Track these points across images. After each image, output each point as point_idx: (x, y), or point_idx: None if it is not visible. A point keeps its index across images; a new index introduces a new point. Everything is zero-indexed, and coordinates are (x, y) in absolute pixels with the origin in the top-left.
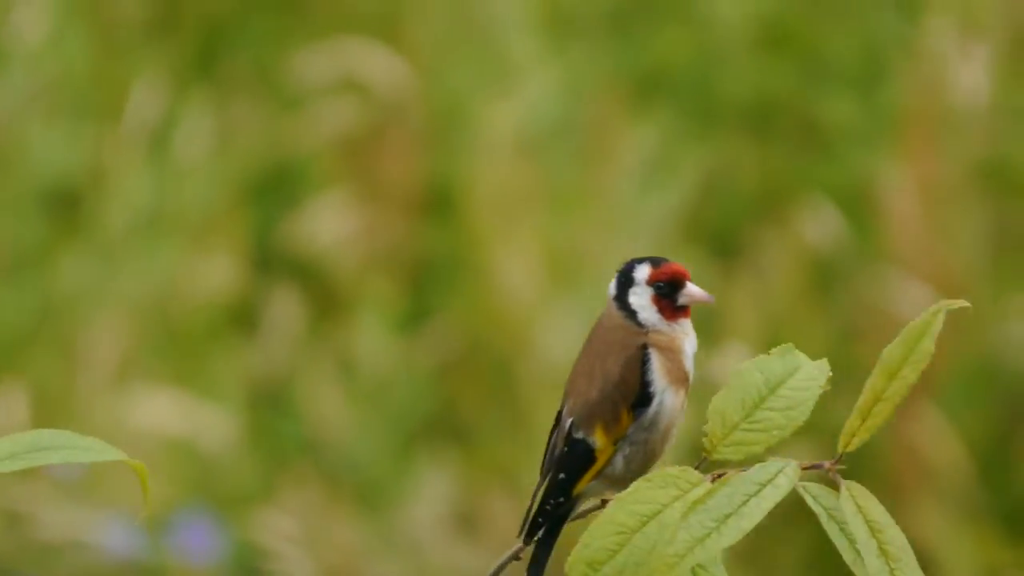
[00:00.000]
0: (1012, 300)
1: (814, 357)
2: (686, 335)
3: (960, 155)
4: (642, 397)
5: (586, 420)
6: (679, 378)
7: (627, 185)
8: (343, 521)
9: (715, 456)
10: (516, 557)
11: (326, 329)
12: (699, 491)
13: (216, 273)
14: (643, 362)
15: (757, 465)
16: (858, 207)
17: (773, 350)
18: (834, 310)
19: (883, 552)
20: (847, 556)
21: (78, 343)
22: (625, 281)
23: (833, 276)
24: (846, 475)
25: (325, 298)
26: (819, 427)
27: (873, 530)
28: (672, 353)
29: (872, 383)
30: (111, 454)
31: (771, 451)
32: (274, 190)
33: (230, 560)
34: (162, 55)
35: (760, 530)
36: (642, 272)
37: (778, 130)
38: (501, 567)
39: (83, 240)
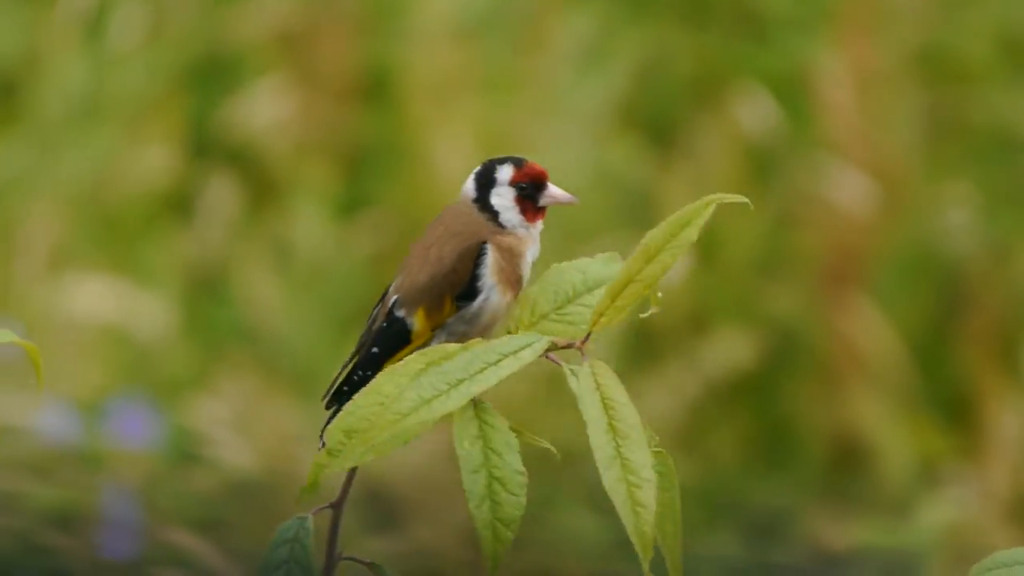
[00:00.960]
0: (946, 188)
1: (749, 243)
2: (533, 241)
3: (895, 42)
4: (469, 290)
5: (410, 301)
6: (511, 279)
7: (562, 71)
8: (279, 407)
9: None
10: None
11: (262, 216)
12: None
13: (152, 160)
14: (478, 255)
15: (505, 336)
16: (794, 94)
17: (598, 255)
18: (770, 197)
19: (612, 429)
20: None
21: (13, 231)
22: (486, 181)
23: (769, 164)
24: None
25: (261, 185)
26: (754, 314)
27: (607, 406)
28: (511, 255)
29: (628, 264)
30: (2, 336)
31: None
32: (211, 77)
33: (166, 445)
34: None
35: (698, 412)
36: (505, 172)
37: (714, 16)
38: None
39: (18, 127)
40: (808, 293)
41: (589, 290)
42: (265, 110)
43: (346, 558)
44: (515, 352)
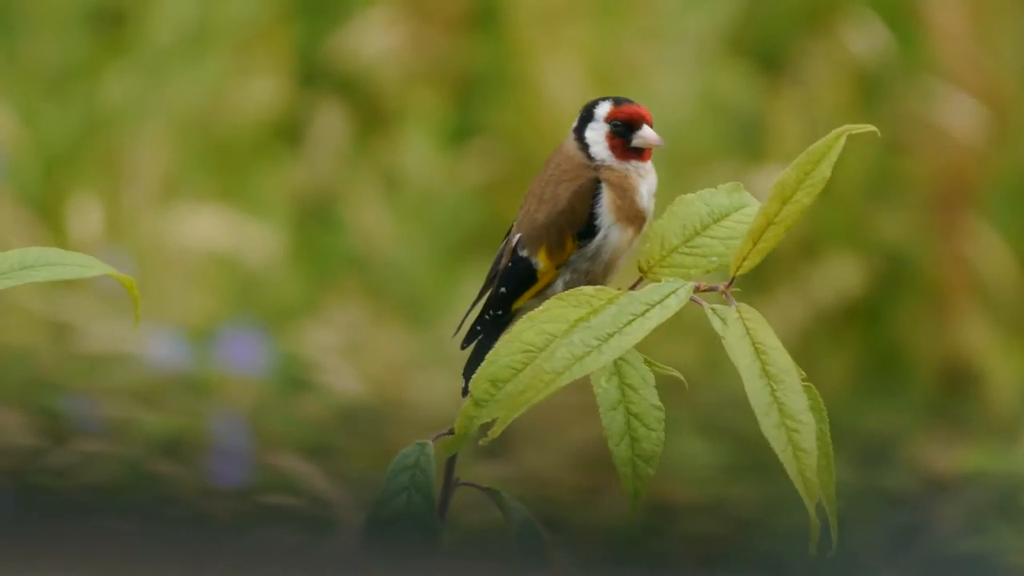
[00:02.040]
0: None
1: (859, 169)
2: (641, 176)
3: None
4: (588, 228)
5: (532, 240)
6: (630, 216)
7: None
8: (388, 334)
9: (650, 276)
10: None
11: (371, 145)
12: (612, 309)
13: (261, 89)
14: (594, 195)
15: (649, 286)
16: (903, 19)
17: (721, 185)
18: (880, 123)
19: (765, 373)
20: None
21: (123, 159)
22: (587, 116)
23: (879, 89)
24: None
25: (370, 114)
26: (865, 240)
27: (758, 351)
28: (625, 191)
29: (765, 207)
30: (98, 268)
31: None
32: (319, 5)
33: (275, 372)
34: None
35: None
36: (602, 109)
37: None
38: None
39: (127, 56)
40: (919, 219)
41: (716, 221)
42: (374, 39)
43: (464, 483)
44: (660, 301)
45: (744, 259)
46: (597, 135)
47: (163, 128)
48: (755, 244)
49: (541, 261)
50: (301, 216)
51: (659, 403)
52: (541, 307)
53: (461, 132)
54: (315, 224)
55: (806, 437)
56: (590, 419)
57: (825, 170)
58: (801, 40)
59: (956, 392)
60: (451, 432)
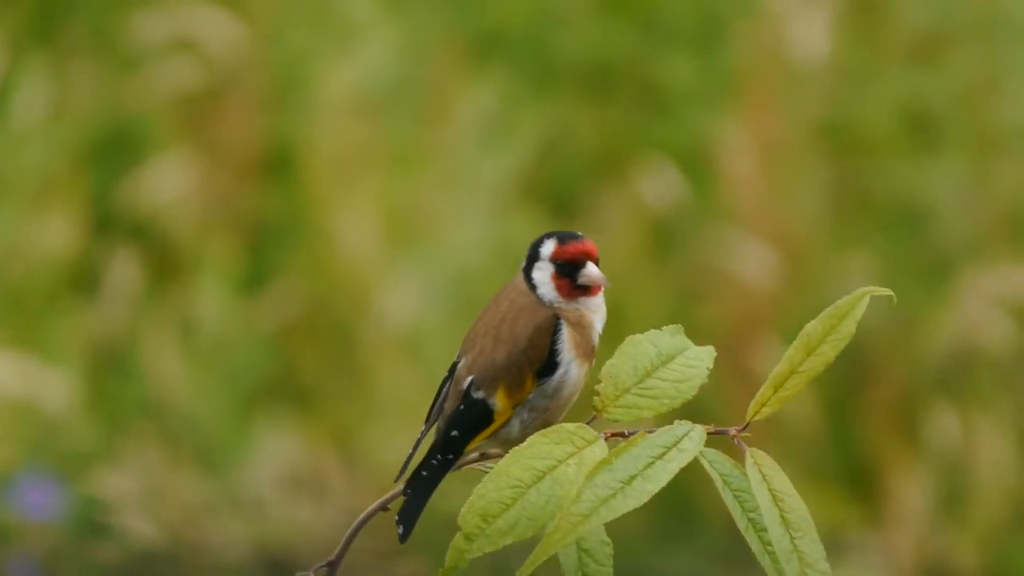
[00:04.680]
0: (849, 259)
1: (654, 317)
2: (593, 312)
3: (799, 115)
4: (548, 365)
5: (489, 381)
6: (586, 351)
7: (466, 145)
8: (184, 480)
9: (605, 415)
10: (384, 508)
11: (166, 291)
12: (596, 449)
13: (55, 235)
14: (554, 331)
15: (663, 428)
16: (697, 167)
17: (663, 328)
18: (674, 269)
19: (784, 521)
20: (740, 523)
21: None
22: (533, 255)
23: (673, 236)
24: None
25: (165, 260)
26: None
27: (776, 499)
28: (582, 327)
29: (789, 355)
30: None
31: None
32: (113, 152)
33: (72, 517)
34: None
35: None
36: (547, 248)
37: (617, 90)
38: (370, 515)
39: None
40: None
41: (664, 363)
42: (167, 185)
43: None
44: (676, 444)
45: (763, 405)
46: (543, 275)
47: None
48: (776, 391)
49: (499, 401)
50: (96, 362)
51: (607, 539)
52: (525, 443)
53: (255, 279)
54: (110, 370)
55: None
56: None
57: (850, 326)
58: (595, 187)
59: None
60: (327, 564)
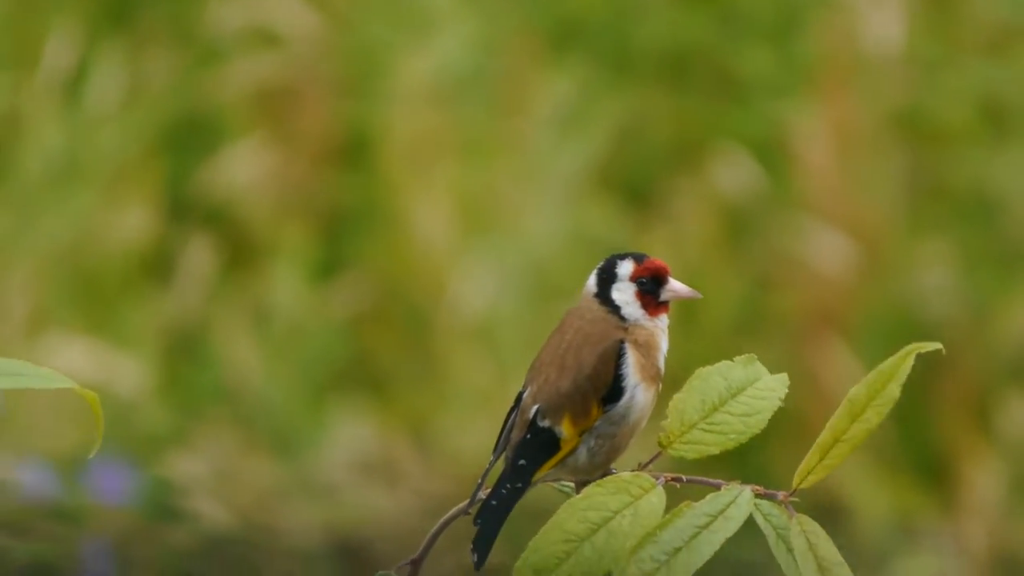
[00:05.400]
0: (925, 248)
1: (728, 305)
2: (663, 332)
3: (874, 104)
4: (614, 391)
5: (554, 409)
6: (652, 375)
7: (542, 135)
8: (257, 465)
9: (670, 452)
10: (465, 512)
11: (240, 277)
12: (652, 498)
13: (130, 222)
14: (619, 356)
15: (710, 495)
16: (773, 156)
17: (736, 358)
18: (748, 258)
19: None
20: None
21: None
22: (607, 277)
23: (748, 225)
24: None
25: (239, 247)
26: None
27: (822, 569)
28: (649, 349)
29: (834, 423)
30: (62, 382)
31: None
32: (188, 139)
33: (145, 501)
34: (77, 4)
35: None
36: (625, 268)
37: (693, 80)
38: (451, 519)
39: None
40: (787, 354)
41: (733, 396)
42: (243, 171)
43: None
44: (722, 512)
45: (809, 473)
46: (626, 295)
47: (33, 261)
48: (821, 460)
49: (565, 430)
50: (170, 348)
51: None
52: (581, 495)
53: (329, 266)
54: (184, 356)
55: None
56: None
57: (895, 390)
58: (670, 176)
59: (824, 524)
60: (411, 562)
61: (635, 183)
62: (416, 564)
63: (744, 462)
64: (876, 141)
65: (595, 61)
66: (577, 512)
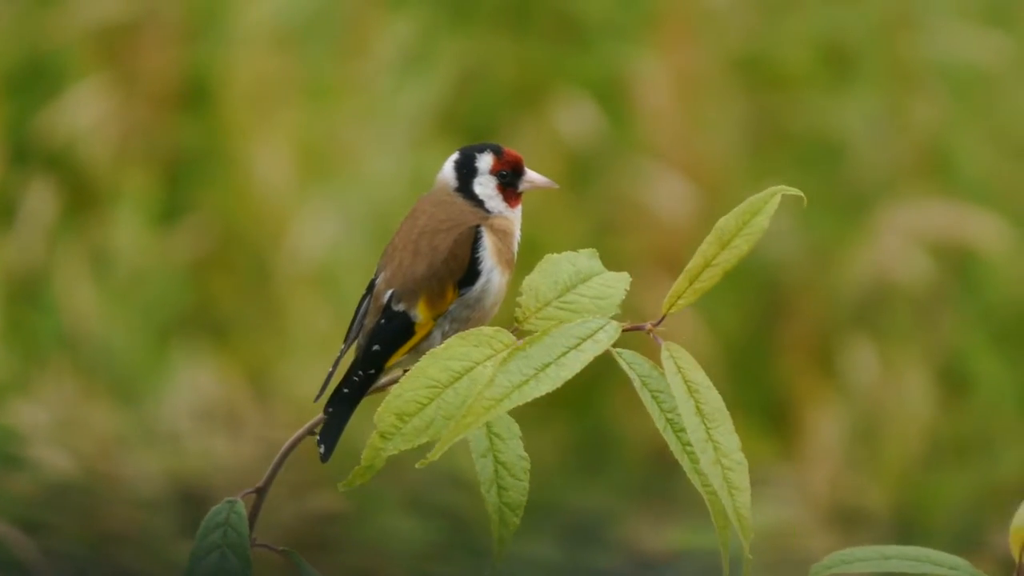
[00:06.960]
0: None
1: (564, 247)
2: (517, 221)
3: (716, 48)
4: (470, 275)
5: (409, 293)
6: (507, 260)
7: (383, 78)
8: (99, 412)
9: (526, 327)
10: (311, 432)
11: (82, 222)
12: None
13: None
14: (475, 240)
15: (578, 320)
16: (614, 100)
17: (580, 251)
18: (590, 203)
19: (699, 412)
20: (658, 423)
21: None
22: (467, 171)
23: (589, 169)
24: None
25: (80, 191)
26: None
27: (691, 390)
28: (505, 235)
29: (704, 248)
30: None
31: None
32: (29, 83)
33: None
34: None
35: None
36: (485, 162)
37: (535, 23)
38: (297, 440)
39: None
40: (628, 296)
41: (583, 280)
42: (84, 114)
43: (260, 545)
44: (591, 336)
45: (679, 297)
46: (488, 189)
47: None
48: (691, 284)
49: (420, 313)
50: (10, 294)
51: (525, 454)
52: (443, 345)
53: (171, 211)
54: (25, 301)
55: (740, 475)
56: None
57: (763, 221)
58: (512, 119)
59: (664, 471)
60: (255, 491)
61: (477, 126)
62: (261, 492)
63: (586, 409)
64: (717, 85)
65: (436, 3)
66: (440, 361)
